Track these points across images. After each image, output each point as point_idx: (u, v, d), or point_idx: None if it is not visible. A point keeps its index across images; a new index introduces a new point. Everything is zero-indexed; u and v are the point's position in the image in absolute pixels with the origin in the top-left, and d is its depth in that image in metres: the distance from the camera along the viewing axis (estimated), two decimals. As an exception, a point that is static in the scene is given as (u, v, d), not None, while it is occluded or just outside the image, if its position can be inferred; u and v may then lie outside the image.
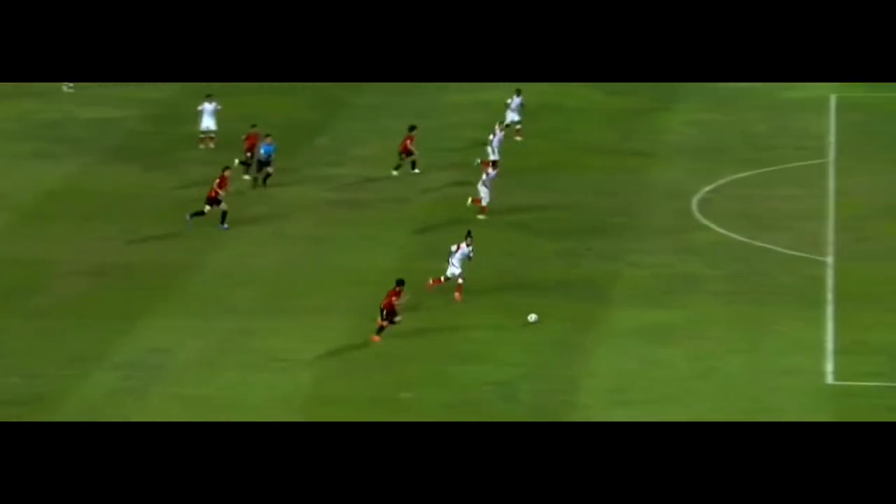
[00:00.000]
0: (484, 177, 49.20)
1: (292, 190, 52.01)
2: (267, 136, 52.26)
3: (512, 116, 56.42)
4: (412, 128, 53.64)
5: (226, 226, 48.36)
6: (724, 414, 36.15)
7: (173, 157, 56.15)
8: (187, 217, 48.27)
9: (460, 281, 42.34)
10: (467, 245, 42.74)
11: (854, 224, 48.22)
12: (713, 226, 48.60)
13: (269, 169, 51.73)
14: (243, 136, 53.47)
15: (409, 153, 53.25)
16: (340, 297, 43.48)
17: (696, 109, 61.07)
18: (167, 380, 38.31)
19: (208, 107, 56.23)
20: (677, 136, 58.00)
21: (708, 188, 51.76)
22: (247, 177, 52.49)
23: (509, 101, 56.72)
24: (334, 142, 58.04)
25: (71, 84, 61.94)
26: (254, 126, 53.79)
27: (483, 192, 49.05)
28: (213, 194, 48.42)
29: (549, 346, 40.01)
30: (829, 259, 45.42)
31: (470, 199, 49.28)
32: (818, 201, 50.31)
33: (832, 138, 57.03)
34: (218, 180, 48.78)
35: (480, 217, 48.65)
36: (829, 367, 38.49)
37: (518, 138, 56.06)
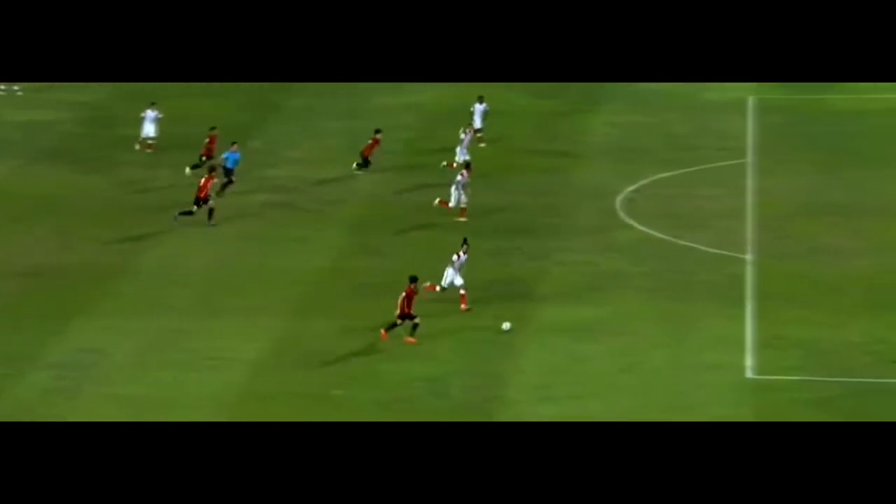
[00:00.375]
0: (459, 178, 48.83)
1: (226, 191, 51.79)
2: (233, 143, 51.74)
3: (475, 123, 56.16)
4: (377, 131, 53.49)
5: (212, 223, 48.28)
6: (647, 408, 36.35)
7: (106, 160, 55.84)
8: (175, 215, 48.20)
9: (462, 292, 41.56)
10: (464, 253, 42.02)
11: (773, 223, 48.61)
12: (636, 225, 48.85)
13: (233, 178, 50.81)
14: (206, 140, 53.21)
15: (366, 157, 53.07)
16: (274, 297, 43.40)
17: (619, 111, 61.38)
18: (101, 379, 38.09)
19: (150, 114, 56.00)
20: (601, 137, 58.27)
21: (631, 188, 52.03)
22: (189, 170, 52.35)
23: (472, 108, 56.48)
24: (267, 144, 57.89)
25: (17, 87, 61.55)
26: (213, 129, 53.57)
27: (455, 194, 48.71)
28: (202, 195, 48.13)
29: (479, 343, 40.09)
30: (749, 257, 45.78)
31: (437, 201, 49.07)
32: (738, 201, 50.68)
33: (751, 139, 57.46)
34: (203, 179, 48.59)
35: (461, 220, 48.45)
36: (749, 361, 38.78)
37: (481, 144, 55.80)
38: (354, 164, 53.39)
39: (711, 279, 43.99)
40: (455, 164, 51.30)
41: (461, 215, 48.73)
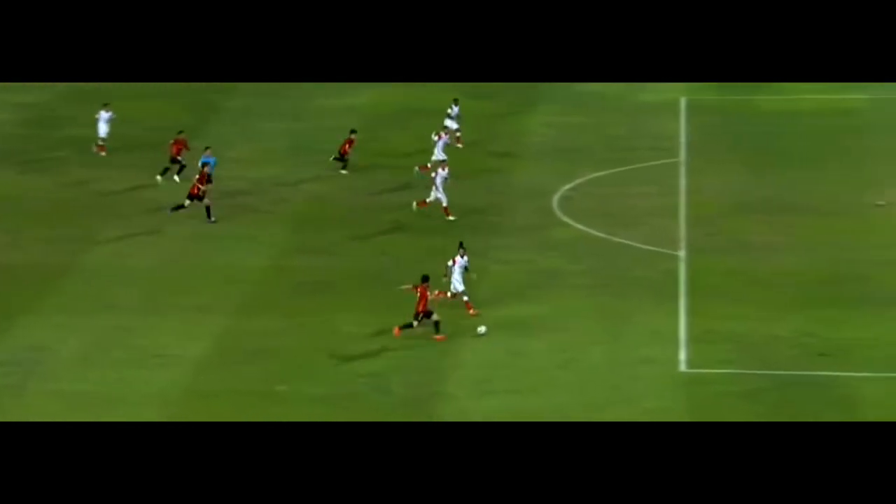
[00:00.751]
0: (437, 179, 48.69)
1: (169, 190, 51.64)
2: (206, 148, 51.13)
3: (451, 124, 55.92)
4: (353, 131, 53.37)
5: (213, 219, 48.18)
6: (584, 402, 36.58)
7: (51, 160, 55.54)
8: (168, 212, 48.11)
9: (465, 298, 41.00)
10: (461, 256, 41.40)
11: (705, 220, 48.97)
12: (573, 223, 49.09)
13: (210, 185, 49.51)
14: (170, 142, 52.89)
15: (344, 155, 52.94)
16: (218, 295, 43.35)
17: (555, 112, 61.63)
18: (45, 376, 37.95)
19: (104, 115, 55.62)
20: (538, 137, 58.48)
21: (568, 187, 52.26)
22: (160, 177, 52.05)
23: (449, 110, 56.32)
24: (208, 144, 57.67)
25: None
26: (181, 132, 53.27)
27: (434, 194, 48.54)
28: (195, 191, 48.12)
29: (420, 340, 40.18)
30: (682, 254, 46.10)
31: (415, 204, 48.91)
32: (671, 199, 51.03)
33: (683, 139, 57.84)
34: (198, 176, 48.51)
35: (450, 218, 48.38)
36: (683, 355, 39.08)
37: (459, 145, 55.69)
38: (332, 158, 53.16)
39: (646, 276, 44.29)
40: (429, 166, 51.22)
41: (447, 214, 48.50)
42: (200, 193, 48.33)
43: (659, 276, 44.38)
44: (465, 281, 41.34)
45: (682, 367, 38.49)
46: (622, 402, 36.63)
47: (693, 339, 39.91)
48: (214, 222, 48.37)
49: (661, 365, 38.52)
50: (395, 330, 39.78)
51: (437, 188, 48.72)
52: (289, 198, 51.79)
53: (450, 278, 41.11)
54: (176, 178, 51.78)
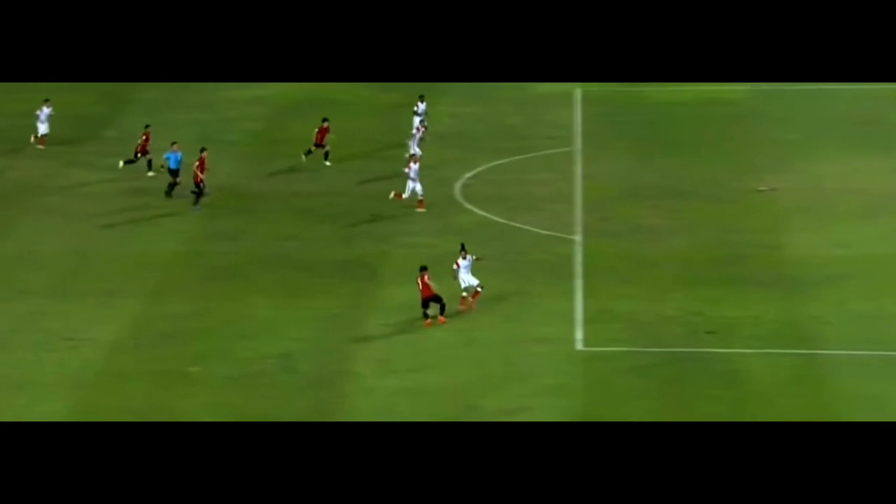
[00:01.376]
0: (410, 172, 48.14)
1: (82, 179, 51.25)
2: (173, 143, 50.00)
3: (417, 121, 55.30)
4: (324, 119, 52.83)
5: (198, 207, 48.11)
6: (484, 379, 36.79)
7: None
8: (166, 197, 48.17)
9: (480, 289, 40.62)
10: (463, 258, 40.77)
11: (598, 205, 49.35)
12: (474, 209, 49.30)
13: (178, 179, 48.81)
14: (141, 137, 51.97)
15: (321, 145, 52.36)
16: (129, 280, 43.10)
17: (456, 104, 61.79)
18: (-37, 360, 37.54)
19: (45, 111, 54.88)
20: (440, 127, 58.56)
21: (469, 175, 52.45)
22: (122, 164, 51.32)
23: (416, 107, 55.77)
24: (121, 134, 57.27)
25: None
26: (147, 126, 52.55)
27: (411, 185, 48.08)
28: (198, 179, 48.08)
29: (327, 321, 40.23)
30: (578, 237, 46.45)
31: (392, 194, 48.40)
32: (567, 185, 51.38)
33: (578, 128, 58.23)
34: (197, 162, 48.21)
35: (420, 210, 48.02)
36: (579, 334, 39.41)
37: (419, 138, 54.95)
38: (304, 155, 52.19)
39: (543, 258, 44.58)
40: (409, 157, 50.96)
41: (419, 206, 48.20)
42: (199, 181, 48.10)
43: (555, 258, 44.69)
44: (474, 274, 40.81)
45: (578, 346, 38.82)
46: (521, 378, 36.88)
47: (588, 319, 40.25)
48: (199, 210, 48.14)
49: (557, 343, 38.82)
50: (441, 319, 39.41)
51: (410, 179, 48.08)
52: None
53: (457, 278, 40.64)
54: (179, 153, 50.87)
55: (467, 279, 40.55)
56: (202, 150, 49.24)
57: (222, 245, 46.07)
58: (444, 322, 39.68)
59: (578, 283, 42.70)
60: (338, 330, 39.76)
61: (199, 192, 48.54)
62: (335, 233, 46.96)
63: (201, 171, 48.43)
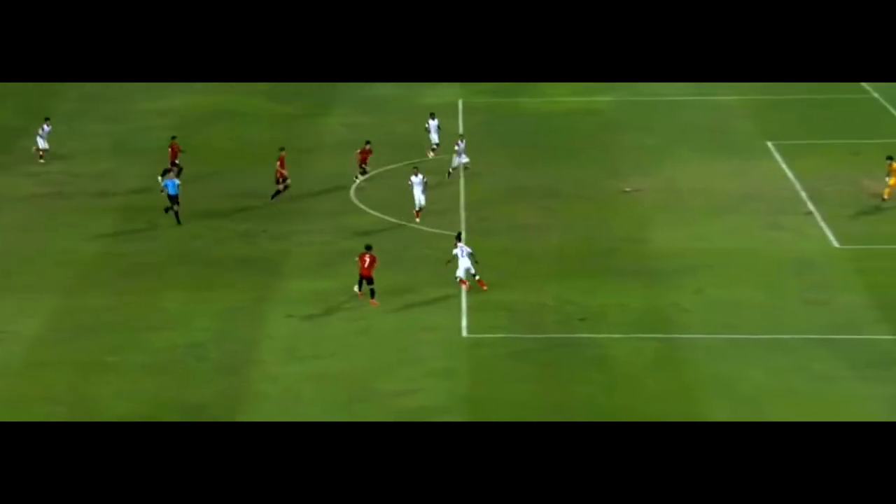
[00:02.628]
0: (415, 181, 47.50)
1: (3, 185, 50.54)
2: (167, 171, 48.11)
3: (433, 138, 54.49)
4: (367, 142, 51.88)
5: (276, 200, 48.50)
6: (379, 363, 36.93)
7: None
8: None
9: (477, 277, 41.06)
10: (457, 247, 41.33)
11: (479, 206, 49.61)
12: (368, 210, 49.37)
13: (177, 205, 46.65)
14: (169, 148, 50.83)
15: (362, 163, 51.35)
16: (48, 277, 42.67)
17: (349, 113, 61.82)
18: None
19: (46, 128, 53.76)
20: (334, 136, 58.58)
21: (362, 178, 52.43)
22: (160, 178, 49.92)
23: (427, 124, 54.84)
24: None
25: None
26: (174, 138, 51.49)
27: (418, 196, 47.26)
28: (280, 176, 48.65)
29: (233, 313, 40.12)
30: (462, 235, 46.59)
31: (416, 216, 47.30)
32: (452, 188, 51.57)
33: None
34: (278, 162, 48.77)
35: (416, 221, 47.18)
36: (464, 322, 39.66)
37: (430, 154, 54.34)
38: (355, 178, 51.14)
39: (430, 254, 44.72)
40: (451, 171, 50.57)
41: (416, 216, 47.37)
42: (283, 176, 48.68)
43: (442, 254, 44.84)
44: (473, 264, 41.20)
45: (463, 333, 39.08)
46: (412, 363, 37.06)
47: (472, 309, 40.51)
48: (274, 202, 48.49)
49: (444, 331, 39.05)
50: (373, 302, 40.00)
51: (417, 190, 47.35)
52: (113, 190, 51.07)
53: (456, 264, 41.06)
54: (176, 180, 50.07)
55: (464, 265, 41.18)
56: (281, 149, 49.80)
57: (135, 244, 45.73)
58: (375, 305, 39.98)
59: (462, 277, 42.88)
60: (244, 321, 39.66)
61: (283, 188, 48.88)
62: (240, 232, 46.80)
63: (283, 168, 48.73)
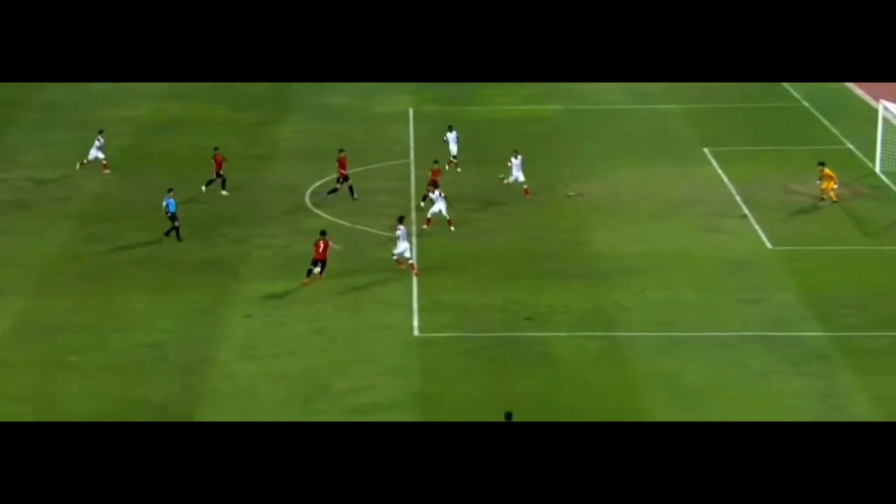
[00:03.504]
0: (435, 196, 46.89)
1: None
2: (169, 190, 46.36)
3: (453, 149, 53.47)
4: (435, 161, 50.82)
5: (355, 196, 49.16)
6: (334, 362, 36.79)
7: None
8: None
9: (411, 261, 41.93)
10: (399, 228, 42.26)
11: (423, 210, 49.31)
12: (322, 214, 49.20)
13: (178, 222, 45.51)
14: (214, 159, 50.00)
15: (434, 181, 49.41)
16: (13, 280, 42.24)
17: (305, 122, 61.62)
18: None
19: (101, 140, 52.73)
20: (291, 143, 58.38)
21: (317, 184, 52.29)
22: (204, 188, 49.85)
23: (445, 137, 53.78)
24: (3, 152, 56.07)
25: None
26: (216, 149, 50.68)
27: (437, 205, 46.64)
28: (342, 175, 48.80)
29: (193, 314, 39.84)
30: (413, 238, 46.54)
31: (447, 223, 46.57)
32: (404, 193, 51.46)
33: (412, 143, 58.44)
34: (338, 161, 48.86)
35: (451, 228, 46.54)
36: (416, 322, 39.58)
37: (458, 169, 53.29)
38: (422, 201, 49.26)
39: (384, 257, 44.65)
40: (505, 181, 49.89)
41: (450, 224, 46.55)
42: (345, 175, 49.01)
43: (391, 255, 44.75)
44: (410, 247, 42.62)
45: (416, 332, 38.99)
46: (366, 361, 36.95)
47: (423, 309, 40.46)
48: (356, 199, 48.85)
49: (397, 330, 38.96)
50: (313, 280, 41.13)
51: (439, 200, 46.74)
52: (74, 196, 50.64)
53: (395, 245, 42.34)
54: (223, 192, 49.72)
55: (402, 247, 42.01)
56: (340, 150, 49.83)
57: (98, 247, 45.34)
58: (320, 279, 41.02)
59: (414, 278, 42.86)
60: (203, 322, 39.41)
61: (342, 187, 49.08)
62: (200, 235, 46.49)
63: (343, 168, 49.01)
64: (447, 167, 53.33)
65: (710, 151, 56.33)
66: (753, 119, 61.67)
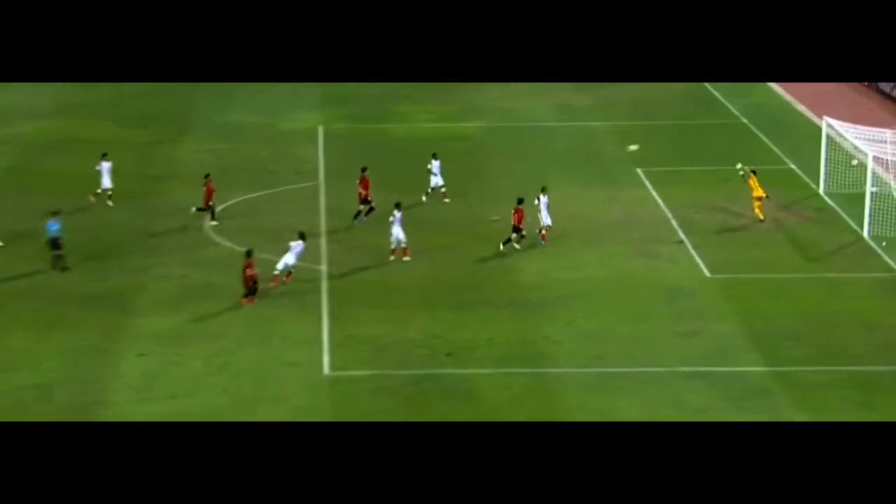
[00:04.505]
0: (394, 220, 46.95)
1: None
2: (53, 213, 45.95)
3: (436, 181, 52.88)
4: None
5: (366, 220, 49.52)
6: (238, 402, 36.44)
7: None
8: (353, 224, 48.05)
9: (290, 272, 43.74)
10: (296, 244, 43.90)
11: (342, 235, 49.32)
12: (224, 241, 48.84)
13: (61, 251, 45.01)
14: (204, 187, 49.78)
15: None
16: None
17: (206, 140, 61.26)
18: None
19: (105, 165, 51.84)
20: (190, 163, 57.93)
21: (219, 209, 51.86)
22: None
23: (429, 165, 53.14)
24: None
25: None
26: (207, 176, 50.27)
27: (395, 235, 46.62)
28: (364, 195, 49.49)
29: (82, 352, 39.31)
30: (323, 267, 46.39)
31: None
32: (313, 218, 51.24)
33: (321, 163, 58.26)
34: (360, 181, 49.20)
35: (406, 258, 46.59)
36: (326, 359, 39.35)
37: (446, 199, 52.81)
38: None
39: (292, 288, 44.38)
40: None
41: (402, 254, 46.60)
42: (367, 198, 49.59)
43: (303, 287, 44.56)
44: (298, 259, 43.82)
45: (326, 370, 38.76)
46: (272, 401, 36.64)
47: (335, 344, 40.24)
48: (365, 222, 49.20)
49: (306, 367, 38.71)
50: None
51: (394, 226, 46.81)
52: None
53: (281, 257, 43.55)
54: (213, 222, 49.72)
55: (286, 259, 42.99)
56: (363, 169, 49.86)
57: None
58: (249, 303, 42.37)
59: (325, 310, 42.66)
60: (94, 360, 38.89)
61: (365, 209, 49.46)
62: (90, 265, 45.92)
63: (365, 189, 49.15)
64: (424, 198, 52.67)
65: (644, 172, 56.75)
66: (688, 137, 62.27)
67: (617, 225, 50.56)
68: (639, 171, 56.87)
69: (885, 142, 52.01)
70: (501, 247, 47.68)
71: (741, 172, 52.01)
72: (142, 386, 37.48)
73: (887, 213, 49.73)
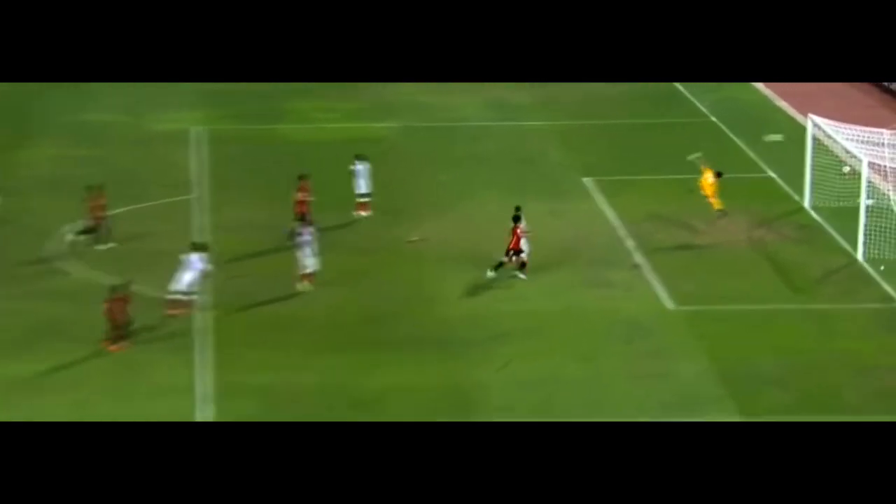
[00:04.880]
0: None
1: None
2: None
3: (361, 187, 53.05)
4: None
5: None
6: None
7: None
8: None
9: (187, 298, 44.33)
10: (194, 255, 44.57)
11: (228, 258, 48.85)
12: (82, 268, 48.33)
13: None
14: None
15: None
16: None
17: (57, 145, 60.84)
18: None
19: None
20: (38, 173, 57.40)
21: (74, 228, 51.25)
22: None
23: (352, 167, 53.24)
24: None
25: None
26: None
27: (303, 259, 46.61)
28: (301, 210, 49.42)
29: None
30: (205, 299, 45.88)
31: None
32: (185, 238, 50.49)
33: (202, 172, 57.88)
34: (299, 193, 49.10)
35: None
36: (200, 413, 38.80)
37: (365, 213, 53.06)
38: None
39: (161, 325, 43.88)
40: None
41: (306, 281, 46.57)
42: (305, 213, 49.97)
43: (175, 324, 44.04)
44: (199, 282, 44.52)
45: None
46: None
47: (219, 394, 39.80)
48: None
49: (175, 419, 38.19)
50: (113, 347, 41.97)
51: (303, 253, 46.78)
52: None
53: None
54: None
55: (184, 278, 43.85)
56: (301, 177, 50.52)
57: None
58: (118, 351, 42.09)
59: (202, 353, 42.21)
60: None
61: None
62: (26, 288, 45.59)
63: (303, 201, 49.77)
64: (357, 213, 52.99)
65: (592, 182, 56.89)
66: (645, 139, 62.51)
67: (561, 245, 50.56)
68: (585, 180, 57.01)
69: (883, 144, 52.24)
70: (490, 273, 47.36)
71: (695, 158, 52.35)
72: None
73: (885, 232, 50.08)
